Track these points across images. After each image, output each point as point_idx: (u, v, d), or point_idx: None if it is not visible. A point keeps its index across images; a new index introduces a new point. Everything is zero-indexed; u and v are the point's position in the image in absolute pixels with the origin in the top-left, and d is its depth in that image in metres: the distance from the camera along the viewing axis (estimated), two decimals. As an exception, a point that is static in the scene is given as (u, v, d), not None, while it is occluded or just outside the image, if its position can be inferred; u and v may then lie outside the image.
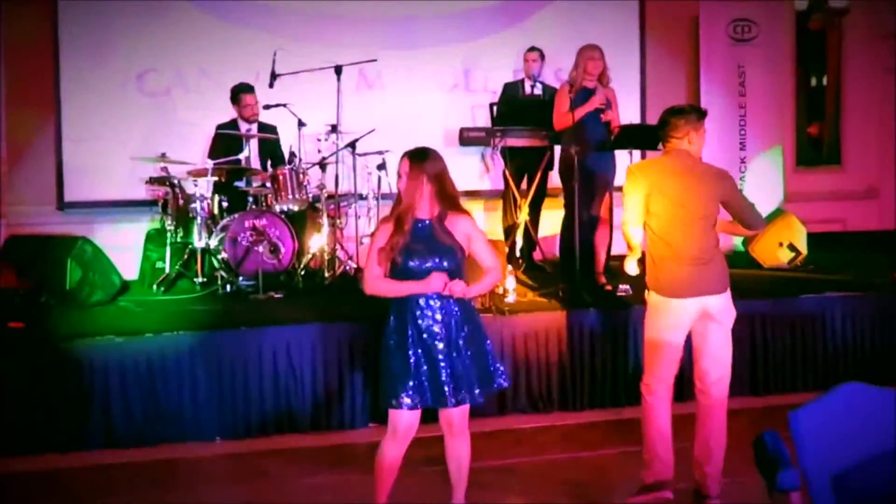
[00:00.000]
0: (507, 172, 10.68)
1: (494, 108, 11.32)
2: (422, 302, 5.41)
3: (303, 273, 9.76)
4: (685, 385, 6.82)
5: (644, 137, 9.31)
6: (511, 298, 8.69)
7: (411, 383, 5.37)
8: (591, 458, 6.70)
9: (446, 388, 5.39)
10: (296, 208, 9.78)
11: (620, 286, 8.94)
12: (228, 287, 9.44)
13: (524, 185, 10.78)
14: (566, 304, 8.70)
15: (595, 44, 9.60)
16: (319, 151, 10.21)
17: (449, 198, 5.51)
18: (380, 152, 10.14)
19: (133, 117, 11.21)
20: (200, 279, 9.55)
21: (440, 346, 5.41)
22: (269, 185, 9.71)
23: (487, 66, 12.14)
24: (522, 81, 10.96)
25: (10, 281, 9.07)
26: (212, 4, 11.43)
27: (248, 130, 10.22)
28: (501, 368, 5.68)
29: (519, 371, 8.33)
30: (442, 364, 5.39)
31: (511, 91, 11.04)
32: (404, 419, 5.44)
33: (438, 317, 5.42)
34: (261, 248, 9.27)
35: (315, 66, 10.24)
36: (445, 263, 5.42)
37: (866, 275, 10.04)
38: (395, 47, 11.77)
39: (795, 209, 11.55)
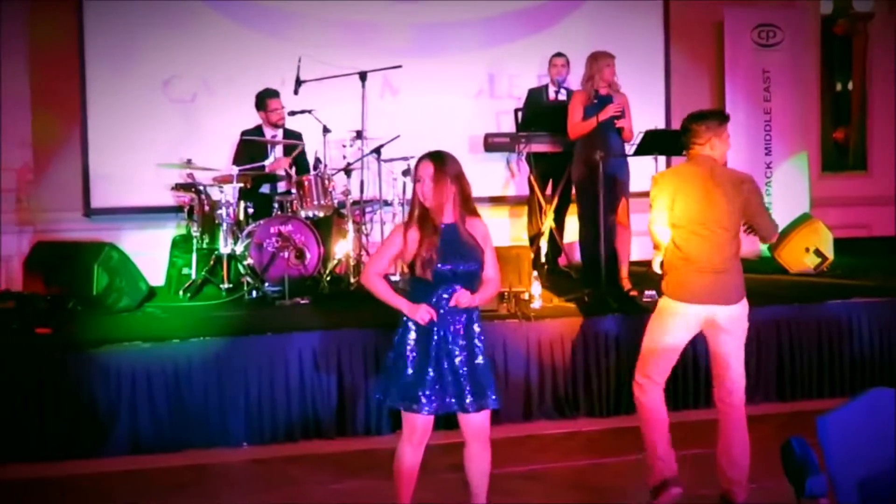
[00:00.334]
0: (531, 178, 10.71)
1: (519, 113, 11.33)
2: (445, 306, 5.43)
3: (328, 279, 9.77)
4: (703, 392, 6.81)
5: (668, 143, 9.28)
6: (537, 304, 8.68)
7: (436, 387, 5.37)
8: (616, 464, 6.68)
9: (468, 393, 5.40)
10: (321, 214, 9.79)
11: (646, 292, 8.92)
12: (254, 293, 9.47)
13: (549, 190, 10.78)
14: (592, 310, 8.69)
15: (607, 50, 9.63)
16: (344, 157, 10.25)
17: (468, 200, 5.51)
18: (404, 158, 10.16)
19: (159, 124, 11.24)
20: (226, 285, 9.56)
21: (459, 350, 5.41)
22: (294, 191, 9.72)
23: (512, 71, 12.15)
24: (547, 87, 10.96)
25: (38, 287, 9.13)
26: (237, 12, 11.47)
27: (274, 137, 10.25)
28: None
29: (545, 377, 8.33)
30: (464, 369, 5.40)
31: (536, 97, 11.04)
32: (422, 422, 5.45)
33: (460, 322, 5.44)
34: (286, 254, 9.30)
35: (340, 73, 10.25)
36: (471, 266, 5.43)
37: (893, 280, 10.01)
38: (419, 53, 11.77)
39: (821, 214, 11.51)
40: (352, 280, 9.66)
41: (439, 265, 5.34)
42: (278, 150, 10.24)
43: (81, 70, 11.10)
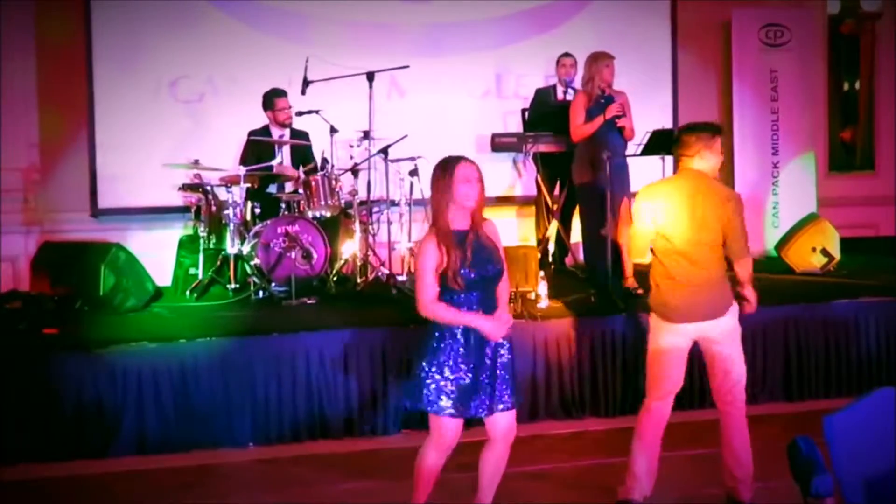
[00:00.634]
0: (539, 178, 10.71)
1: (526, 113, 11.33)
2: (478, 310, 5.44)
3: (335, 279, 9.77)
4: (707, 391, 6.81)
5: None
6: (543, 304, 8.68)
7: (478, 392, 5.40)
8: (623, 464, 6.64)
9: (504, 394, 5.47)
10: (328, 214, 9.79)
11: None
12: (261, 293, 9.46)
13: (556, 191, 10.78)
14: (598, 310, 8.69)
15: (606, 51, 9.63)
16: (351, 158, 10.23)
17: (483, 202, 5.52)
18: (412, 158, 10.14)
19: (166, 124, 11.26)
20: (233, 285, 9.56)
21: (492, 351, 5.45)
22: (301, 191, 9.72)
23: (519, 71, 12.15)
24: (554, 87, 10.96)
25: (45, 287, 9.14)
26: (244, 12, 11.47)
27: (281, 136, 10.25)
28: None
29: (551, 376, 8.34)
30: (500, 371, 5.44)
31: (543, 97, 11.04)
32: (455, 428, 5.47)
33: None
34: (293, 255, 9.28)
35: (347, 73, 10.25)
36: (498, 268, 5.47)
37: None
38: (426, 53, 11.77)
39: (828, 214, 11.51)
40: (358, 280, 9.66)
41: (470, 273, 5.34)
42: (285, 151, 10.24)
43: (88, 70, 11.11)
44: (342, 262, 9.87)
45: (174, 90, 11.37)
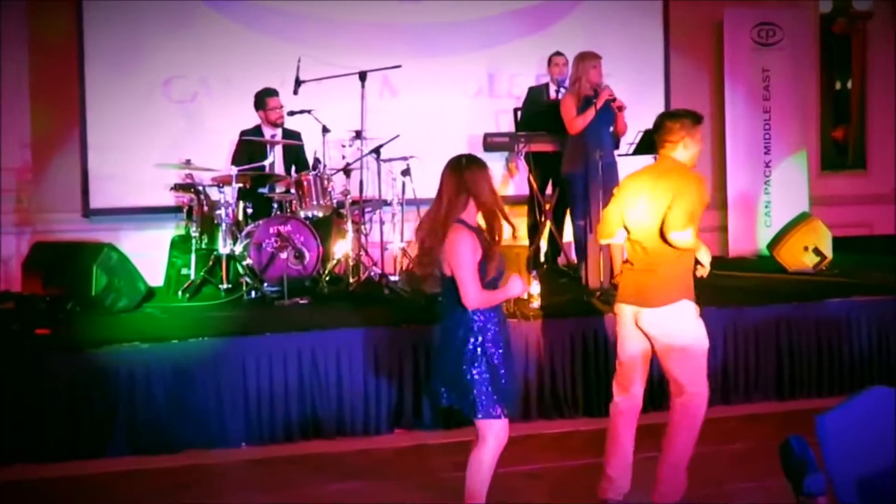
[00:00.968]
0: (531, 177, 10.71)
1: (518, 113, 11.33)
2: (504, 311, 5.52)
3: (327, 279, 9.77)
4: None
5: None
6: (535, 303, 8.68)
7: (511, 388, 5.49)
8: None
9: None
10: (320, 214, 9.78)
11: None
12: (253, 293, 9.46)
13: (549, 190, 10.79)
14: (590, 309, 8.69)
15: (593, 51, 9.66)
16: (344, 157, 10.23)
17: None
18: (404, 158, 10.14)
19: (158, 124, 11.24)
20: (225, 285, 9.55)
21: (505, 353, 5.47)
22: (293, 191, 9.71)
23: (511, 71, 12.15)
24: (547, 86, 10.96)
25: (37, 287, 9.13)
26: (237, 12, 11.46)
27: (273, 136, 10.24)
28: None
29: (543, 376, 8.34)
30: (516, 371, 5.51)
31: (535, 96, 11.04)
32: (506, 425, 5.48)
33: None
34: (285, 255, 9.27)
35: (339, 73, 10.25)
36: (503, 266, 5.56)
37: (892, 278, 10.00)
38: (418, 53, 11.75)
39: (821, 213, 11.51)
40: (350, 280, 9.66)
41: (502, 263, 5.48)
42: (277, 151, 10.24)
43: (81, 70, 11.09)
44: (334, 262, 9.87)
45: (167, 90, 11.35)
